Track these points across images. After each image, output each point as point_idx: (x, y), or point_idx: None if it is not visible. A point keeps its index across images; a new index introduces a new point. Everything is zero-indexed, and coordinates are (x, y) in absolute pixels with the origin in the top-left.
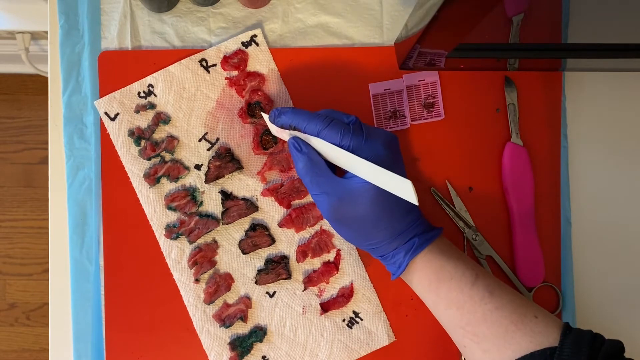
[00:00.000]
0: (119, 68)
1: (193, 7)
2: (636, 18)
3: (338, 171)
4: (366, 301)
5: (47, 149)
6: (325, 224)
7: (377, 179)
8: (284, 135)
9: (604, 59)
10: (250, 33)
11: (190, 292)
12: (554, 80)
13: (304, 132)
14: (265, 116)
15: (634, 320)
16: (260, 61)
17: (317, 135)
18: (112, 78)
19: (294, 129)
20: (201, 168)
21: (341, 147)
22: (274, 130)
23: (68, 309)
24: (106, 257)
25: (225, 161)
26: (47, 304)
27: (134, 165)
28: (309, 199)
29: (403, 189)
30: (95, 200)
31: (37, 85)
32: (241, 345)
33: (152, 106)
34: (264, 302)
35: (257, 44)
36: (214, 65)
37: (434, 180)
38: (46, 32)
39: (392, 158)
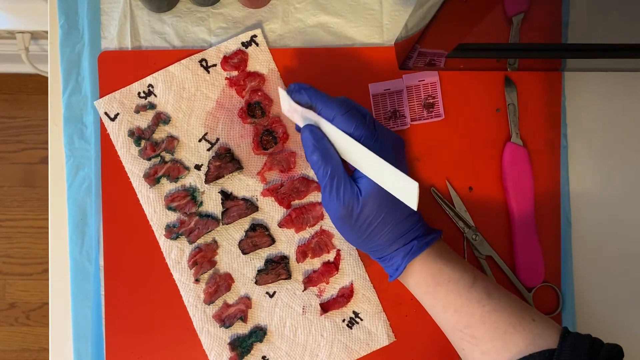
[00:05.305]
0: (119, 68)
1: (193, 7)
2: (636, 18)
3: (345, 167)
4: (366, 301)
5: (47, 149)
6: (325, 224)
7: (382, 177)
8: (295, 116)
9: (604, 59)
10: (250, 33)
11: (190, 292)
12: (554, 80)
13: (318, 114)
14: (282, 91)
15: (634, 321)
16: (260, 61)
17: (332, 121)
18: (112, 78)
19: (310, 107)
20: (201, 168)
21: (352, 136)
22: (285, 109)
23: (68, 309)
24: (106, 257)
25: (225, 161)
26: (47, 303)
27: (134, 165)
28: (308, 199)
29: (407, 190)
30: (95, 200)
31: (37, 85)
32: (241, 346)
33: (152, 106)
34: (264, 302)
35: (257, 44)
36: (214, 65)
37: (434, 180)
38: (46, 32)
39: (398, 160)
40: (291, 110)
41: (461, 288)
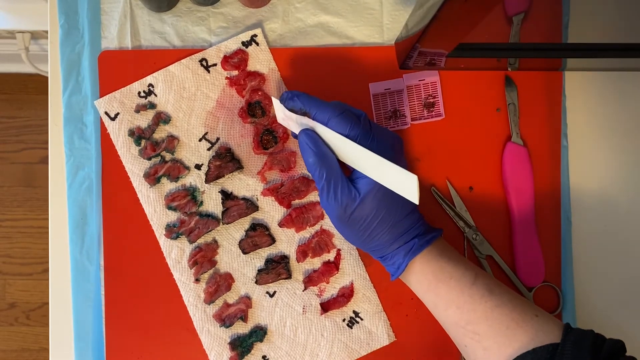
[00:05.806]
0: (119, 68)
1: (193, 7)
2: (636, 18)
3: (343, 168)
4: (366, 301)
5: (47, 148)
6: (326, 224)
7: (381, 174)
8: (290, 123)
9: (604, 59)
10: (251, 33)
11: (191, 291)
12: (554, 80)
13: (313, 119)
14: (275, 101)
15: (634, 320)
16: (261, 61)
17: (326, 123)
18: (112, 78)
19: (304, 114)
20: (201, 168)
21: (347, 137)
22: (280, 117)
23: (68, 309)
24: (106, 257)
25: (225, 161)
26: (47, 303)
27: (134, 165)
28: (309, 198)
29: (407, 185)
30: (95, 200)
31: (37, 85)
32: (241, 345)
33: (152, 106)
34: (264, 302)
35: (257, 44)
36: (214, 65)
37: (434, 180)
38: (46, 32)
39: (397, 159)
40: (286, 119)
41: (463, 285)
